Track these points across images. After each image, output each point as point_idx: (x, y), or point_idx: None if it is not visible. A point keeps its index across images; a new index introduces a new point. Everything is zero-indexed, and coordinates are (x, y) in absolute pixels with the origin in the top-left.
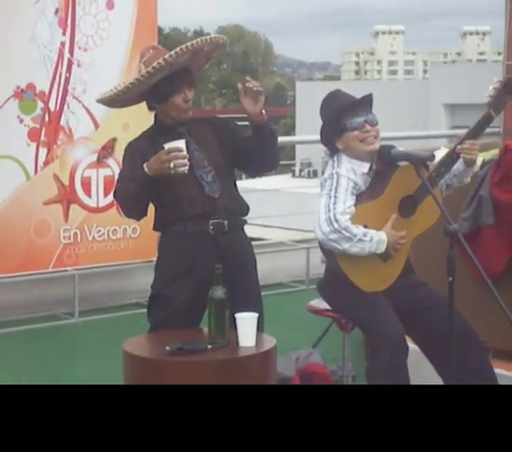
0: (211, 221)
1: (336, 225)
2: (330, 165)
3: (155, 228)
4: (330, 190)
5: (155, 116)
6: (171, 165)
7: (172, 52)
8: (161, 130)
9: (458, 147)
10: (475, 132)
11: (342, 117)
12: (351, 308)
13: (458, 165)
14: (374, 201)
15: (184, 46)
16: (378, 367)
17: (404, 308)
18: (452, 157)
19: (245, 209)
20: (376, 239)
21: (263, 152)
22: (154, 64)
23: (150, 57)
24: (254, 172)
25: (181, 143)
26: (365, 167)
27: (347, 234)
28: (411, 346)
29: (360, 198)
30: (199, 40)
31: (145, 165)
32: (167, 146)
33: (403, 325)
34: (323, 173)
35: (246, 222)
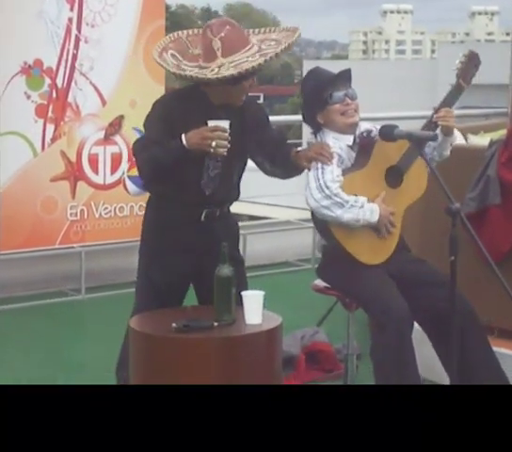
0: (204, 211)
1: (327, 191)
2: (316, 141)
3: (149, 189)
4: (317, 162)
5: (199, 91)
6: (213, 143)
7: (267, 57)
8: (202, 105)
9: (435, 116)
10: (449, 101)
11: (323, 91)
12: (353, 287)
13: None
14: (360, 171)
15: (279, 51)
16: (384, 344)
17: (404, 282)
18: (429, 127)
19: (236, 197)
20: (368, 207)
21: (291, 173)
22: (248, 67)
23: (228, 36)
24: (267, 174)
25: (226, 124)
26: (349, 139)
27: (339, 200)
28: (416, 325)
29: (347, 170)
30: (290, 42)
31: (183, 136)
32: (211, 123)
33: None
34: None
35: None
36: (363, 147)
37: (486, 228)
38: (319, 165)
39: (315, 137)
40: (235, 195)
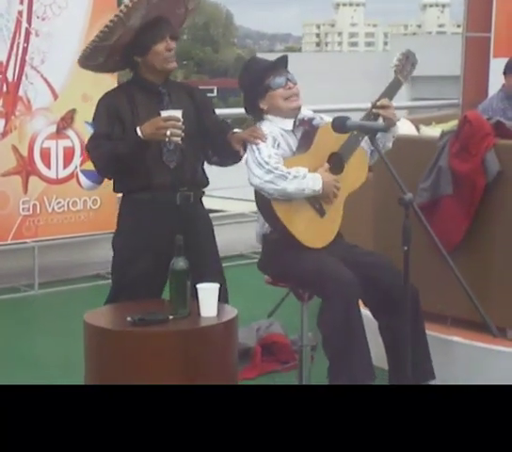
0: (178, 193)
1: (267, 166)
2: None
3: (116, 190)
4: (251, 146)
5: (137, 76)
6: (168, 133)
7: None
8: (141, 86)
9: (376, 105)
10: (387, 94)
11: (264, 78)
12: (297, 271)
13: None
14: (302, 155)
15: None
16: (332, 314)
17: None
18: (369, 117)
19: (206, 182)
20: (311, 176)
21: (228, 159)
22: (127, 3)
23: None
24: (208, 161)
25: (178, 113)
26: (288, 123)
27: (280, 173)
28: (369, 314)
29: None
30: None
31: (138, 128)
32: (164, 113)
33: None
34: None
35: (204, 194)
36: (306, 132)
37: (438, 218)
38: (253, 147)
39: (258, 125)
40: (204, 176)
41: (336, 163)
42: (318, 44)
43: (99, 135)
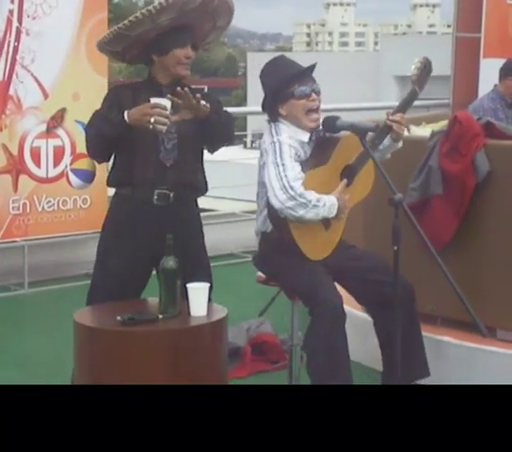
0: (156, 191)
1: (292, 192)
2: (269, 133)
3: (109, 184)
4: (276, 158)
5: (149, 74)
6: (152, 120)
7: None
8: (148, 85)
9: (390, 117)
10: (403, 107)
11: (289, 84)
12: (290, 278)
13: (385, 140)
14: (320, 168)
15: None
16: (317, 335)
17: (345, 270)
18: (383, 131)
19: (200, 184)
20: (329, 204)
21: (216, 135)
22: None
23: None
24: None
25: (166, 102)
26: (305, 136)
27: (303, 201)
28: (362, 314)
29: (306, 165)
30: None
31: (126, 112)
32: (153, 100)
33: (340, 282)
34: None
35: (199, 196)
36: (325, 142)
37: (428, 218)
38: (278, 160)
39: (270, 125)
40: (200, 178)
41: (348, 175)
42: (309, 44)
43: (96, 113)
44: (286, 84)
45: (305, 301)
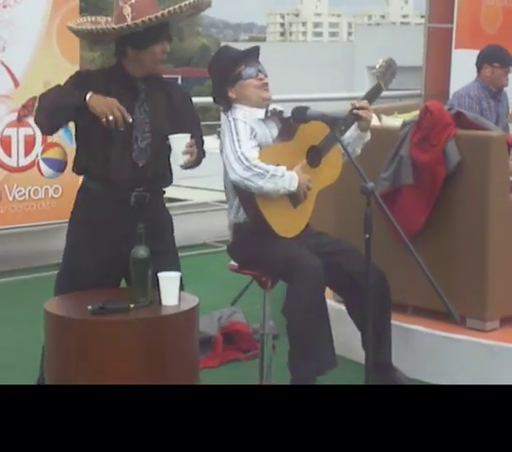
0: (134, 193)
1: (247, 163)
2: (225, 117)
3: (76, 171)
4: (231, 135)
5: (119, 63)
6: (110, 118)
7: (171, 9)
8: (119, 77)
9: (356, 105)
10: (368, 98)
11: (235, 66)
12: (265, 257)
13: (352, 131)
14: (284, 143)
15: (183, 5)
16: (298, 301)
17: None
18: (349, 118)
19: (169, 182)
20: (288, 176)
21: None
22: (152, 16)
23: (138, 2)
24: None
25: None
26: (260, 113)
27: (259, 171)
28: (334, 304)
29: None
30: (198, 0)
31: (91, 93)
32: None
33: None
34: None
35: (164, 192)
36: (288, 122)
37: (398, 207)
38: (234, 136)
39: (226, 114)
40: (169, 175)
41: (314, 156)
42: (283, 34)
43: (57, 87)
44: (232, 67)
45: (285, 275)
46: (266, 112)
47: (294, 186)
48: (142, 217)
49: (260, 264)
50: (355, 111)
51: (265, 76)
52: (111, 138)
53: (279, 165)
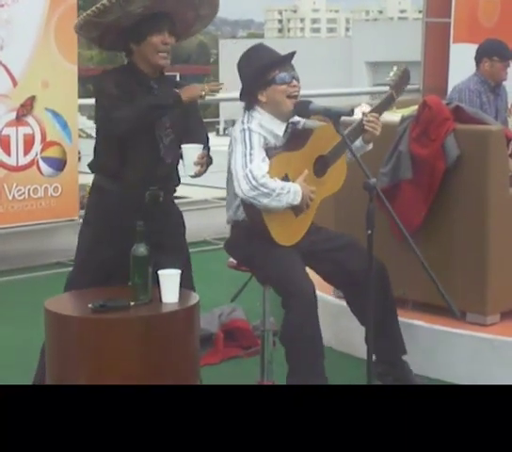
0: (148, 192)
1: (254, 182)
2: (241, 120)
3: (93, 170)
4: (244, 148)
5: (128, 63)
6: (203, 93)
7: None
8: (133, 75)
9: (364, 119)
10: (379, 109)
11: (269, 70)
12: (262, 265)
13: (356, 141)
14: (294, 152)
15: None
16: (293, 325)
17: (317, 252)
18: (357, 131)
19: (179, 180)
20: (293, 190)
21: None
22: None
23: None
24: None
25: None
26: (280, 129)
27: (266, 191)
28: (334, 299)
29: (277, 150)
30: None
31: (177, 91)
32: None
33: (312, 265)
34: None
35: (175, 191)
36: (301, 133)
37: (398, 202)
38: (247, 150)
39: (244, 115)
40: (178, 175)
41: (321, 166)
42: (280, 30)
43: (116, 97)
44: (267, 70)
45: (277, 290)
46: (287, 127)
47: (297, 200)
48: (155, 215)
49: (255, 266)
50: (365, 122)
51: (298, 82)
52: (137, 140)
53: (287, 174)
